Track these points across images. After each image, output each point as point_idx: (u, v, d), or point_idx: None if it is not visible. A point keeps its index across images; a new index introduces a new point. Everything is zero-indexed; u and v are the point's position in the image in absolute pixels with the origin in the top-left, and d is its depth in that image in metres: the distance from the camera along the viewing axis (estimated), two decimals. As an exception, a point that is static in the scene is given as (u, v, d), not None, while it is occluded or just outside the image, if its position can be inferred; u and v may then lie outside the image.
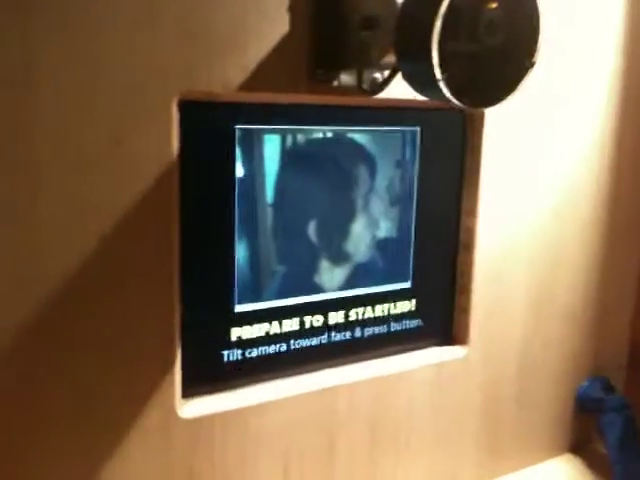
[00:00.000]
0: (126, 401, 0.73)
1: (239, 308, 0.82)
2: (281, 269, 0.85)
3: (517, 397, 1.08)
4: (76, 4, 0.64)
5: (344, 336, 0.91)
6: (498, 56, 0.63)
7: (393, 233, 0.93)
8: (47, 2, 0.62)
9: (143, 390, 0.74)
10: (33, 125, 0.64)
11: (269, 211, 0.82)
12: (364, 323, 0.93)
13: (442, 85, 0.60)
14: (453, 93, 0.61)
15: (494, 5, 0.61)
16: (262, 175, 0.81)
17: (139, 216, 0.70)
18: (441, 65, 0.59)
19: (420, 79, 0.64)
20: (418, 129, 0.90)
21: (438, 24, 0.58)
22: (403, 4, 0.64)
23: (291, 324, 0.86)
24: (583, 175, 1.08)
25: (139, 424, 0.74)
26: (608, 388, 1.17)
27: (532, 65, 0.65)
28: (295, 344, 0.87)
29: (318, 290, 0.88)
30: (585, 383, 1.17)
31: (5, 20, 0.61)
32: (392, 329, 0.95)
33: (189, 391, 0.79)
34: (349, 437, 0.91)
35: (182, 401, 0.78)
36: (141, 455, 0.75)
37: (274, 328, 0.85)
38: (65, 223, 0.67)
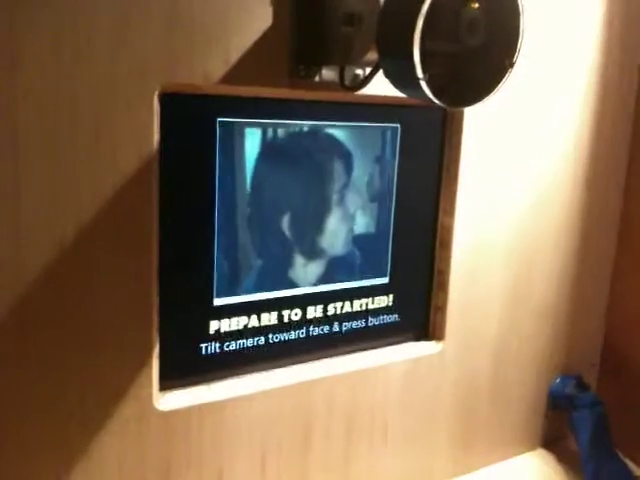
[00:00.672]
0: (103, 393, 0.73)
1: (218, 301, 0.82)
2: (260, 263, 0.85)
3: (491, 392, 1.10)
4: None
5: (322, 330, 0.92)
6: (479, 56, 0.64)
7: (371, 229, 0.93)
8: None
9: (120, 382, 0.74)
10: (13, 115, 0.63)
11: (249, 205, 0.82)
12: (342, 318, 0.93)
13: (423, 84, 0.61)
14: (434, 92, 0.62)
15: (475, 5, 0.62)
16: (242, 168, 0.81)
17: (118, 207, 0.70)
18: (422, 64, 0.60)
19: (401, 77, 0.64)
20: (398, 126, 0.91)
21: (420, 23, 0.58)
22: (385, 2, 0.64)
23: (269, 318, 0.87)
24: (560, 175, 1.09)
25: (116, 416, 0.74)
26: (581, 386, 1.18)
27: (512, 65, 0.66)
28: (273, 338, 0.88)
29: (297, 284, 0.88)
30: (558, 380, 1.18)
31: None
32: (370, 324, 0.96)
33: (166, 383, 0.79)
34: (325, 430, 0.92)
35: (159, 394, 0.78)
36: (117, 447, 0.75)
37: (252, 321, 0.85)
38: (43, 214, 0.66)
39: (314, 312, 0.90)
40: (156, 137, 0.72)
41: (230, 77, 0.74)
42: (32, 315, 0.68)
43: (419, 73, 0.60)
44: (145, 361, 0.75)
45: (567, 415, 1.17)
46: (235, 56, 0.74)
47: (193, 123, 0.76)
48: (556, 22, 1.03)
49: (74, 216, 0.68)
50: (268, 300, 0.86)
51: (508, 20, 0.64)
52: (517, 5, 0.64)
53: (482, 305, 1.05)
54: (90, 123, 0.67)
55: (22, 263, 0.66)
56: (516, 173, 1.03)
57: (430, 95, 0.62)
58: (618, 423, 1.14)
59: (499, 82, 0.66)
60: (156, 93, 0.70)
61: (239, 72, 0.74)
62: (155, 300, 0.75)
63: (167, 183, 0.74)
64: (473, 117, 0.95)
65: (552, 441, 1.21)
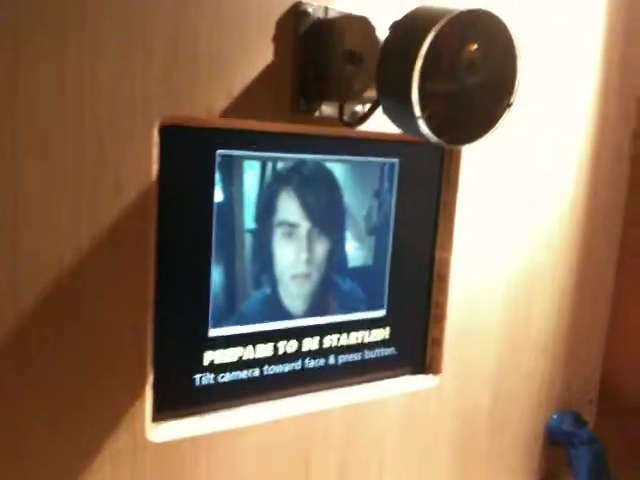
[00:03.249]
0: (96, 423, 0.73)
1: (213, 332, 0.82)
2: (255, 294, 0.85)
3: (489, 427, 1.09)
4: (68, 29, 0.64)
5: (318, 363, 0.91)
6: (477, 96, 0.65)
7: (369, 261, 0.94)
8: (40, 24, 0.63)
9: (113, 412, 0.74)
10: (15, 142, 0.64)
11: (246, 236, 0.83)
12: (338, 350, 0.93)
13: (421, 123, 0.61)
14: (432, 130, 0.62)
15: (474, 47, 0.63)
16: (240, 200, 0.81)
17: (115, 237, 0.70)
18: (421, 103, 0.61)
19: (400, 115, 0.65)
20: (397, 161, 0.92)
21: (419, 64, 0.59)
22: (386, 41, 0.65)
23: (265, 349, 0.86)
24: (558, 212, 1.10)
25: (109, 447, 0.74)
26: (579, 422, 1.18)
27: (510, 105, 0.67)
28: (268, 370, 0.87)
29: (293, 316, 0.88)
30: (555, 416, 1.18)
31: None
32: (366, 357, 0.96)
33: (160, 415, 0.79)
34: (321, 465, 0.91)
35: (152, 425, 0.78)
36: (111, 476, 0.74)
37: (248, 353, 0.85)
38: (42, 241, 0.67)
39: (310, 344, 0.90)
40: (155, 168, 0.72)
41: (231, 111, 0.74)
42: (27, 344, 0.67)
43: (417, 112, 0.61)
44: (138, 392, 0.75)
45: (565, 451, 1.16)
46: (237, 90, 0.74)
47: (193, 155, 0.76)
48: (556, 64, 1.04)
49: (72, 246, 0.68)
50: (263, 331, 0.86)
51: (506, 61, 0.65)
52: (514, 47, 0.64)
53: (480, 339, 1.04)
54: (93, 152, 0.68)
55: (19, 292, 0.66)
56: (514, 209, 1.04)
57: (428, 133, 0.63)
58: (616, 460, 1.13)
59: (497, 121, 0.67)
60: (156, 125, 0.71)
61: (241, 106, 0.75)
62: (150, 330, 0.75)
63: (165, 213, 0.75)
64: (471, 154, 0.96)
65: (550, 477, 1.20)
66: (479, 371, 1.06)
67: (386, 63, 0.64)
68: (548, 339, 1.14)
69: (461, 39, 0.62)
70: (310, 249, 0.88)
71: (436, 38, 0.59)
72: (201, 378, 0.82)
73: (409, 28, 0.62)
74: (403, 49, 0.61)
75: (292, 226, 0.86)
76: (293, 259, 0.87)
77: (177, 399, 0.81)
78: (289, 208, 0.85)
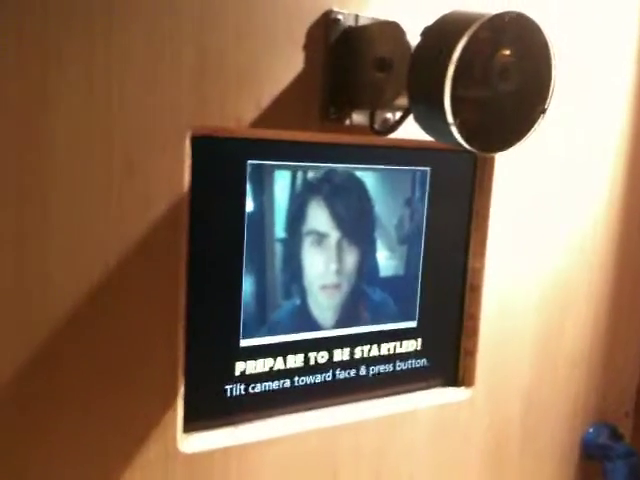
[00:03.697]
0: (127, 434, 0.73)
1: (244, 342, 0.81)
2: (287, 304, 0.84)
3: (522, 441, 1.07)
4: (96, 39, 0.65)
5: (349, 374, 0.91)
6: (510, 102, 0.64)
7: (400, 271, 0.93)
8: (67, 36, 0.63)
9: (144, 423, 0.74)
10: (45, 154, 0.64)
11: (277, 246, 0.82)
12: (369, 361, 0.92)
13: (454, 130, 0.61)
14: (464, 138, 0.61)
15: (507, 52, 0.62)
16: (271, 210, 0.81)
17: (147, 247, 0.71)
18: (453, 110, 0.60)
19: (432, 122, 0.64)
20: (428, 169, 0.91)
21: (451, 70, 0.59)
22: (417, 47, 0.64)
23: (295, 360, 0.86)
24: (593, 217, 1.08)
25: (139, 457, 0.73)
26: (615, 435, 1.15)
27: (544, 111, 0.65)
28: (299, 381, 0.87)
29: (324, 327, 0.87)
30: (591, 429, 1.15)
31: (26, 51, 0.62)
32: (397, 368, 0.95)
33: (191, 425, 0.79)
34: (352, 476, 0.90)
35: (183, 435, 0.78)
36: (141, 490, 0.74)
37: (278, 364, 0.85)
38: (72, 252, 0.67)
39: (341, 355, 0.89)
40: (187, 178, 0.72)
41: (261, 120, 0.74)
42: (59, 355, 0.68)
43: (450, 119, 0.60)
44: (170, 402, 0.75)
45: (601, 466, 1.14)
46: (267, 100, 0.74)
47: (224, 165, 0.77)
48: (592, 69, 1.02)
49: (103, 256, 0.69)
50: (294, 342, 0.85)
51: (540, 66, 0.64)
52: (549, 50, 0.63)
53: (513, 351, 1.02)
54: (123, 164, 0.68)
55: (50, 303, 0.67)
56: (548, 216, 1.02)
57: (461, 140, 0.62)
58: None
59: (530, 128, 0.66)
60: (188, 136, 0.71)
61: (270, 115, 0.75)
62: (181, 341, 0.75)
63: (197, 224, 0.75)
64: (505, 161, 0.95)
65: (586, 493, 1.17)
66: (512, 383, 1.04)
67: (417, 69, 0.64)
68: (583, 349, 1.11)
69: (494, 44, 0.61)
70: (340, 259, 0.87)
71: (469, 43, 0.59)
72: (232, 389, 0.82)
73: (441, 33, 0.61)
74: (435, 55, 0.61)
75: (322, 235, 0.86)
76: (323, 270, 0.86)
77: (208, 409, 0.81)
78: (319, 217, 0.85)
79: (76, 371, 0.69)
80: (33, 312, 0.66)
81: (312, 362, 0.87)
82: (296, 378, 0.86)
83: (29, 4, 0.61)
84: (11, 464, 0.67)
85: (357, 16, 0.76)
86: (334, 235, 0.86)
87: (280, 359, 0.85)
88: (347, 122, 0.79)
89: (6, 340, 0.65)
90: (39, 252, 0.66)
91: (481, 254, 0.96)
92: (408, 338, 0.95)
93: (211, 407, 0.81)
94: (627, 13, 1.06)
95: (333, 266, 0.87)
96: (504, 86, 0.63)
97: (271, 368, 0.84)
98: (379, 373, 0.93)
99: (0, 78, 0.61)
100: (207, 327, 0.78)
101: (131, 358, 0.72)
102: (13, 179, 0.63)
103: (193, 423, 0.79)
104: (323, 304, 0.87)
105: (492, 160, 0.94)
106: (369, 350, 0.92)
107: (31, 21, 0.61)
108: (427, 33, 0.64)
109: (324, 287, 0.87)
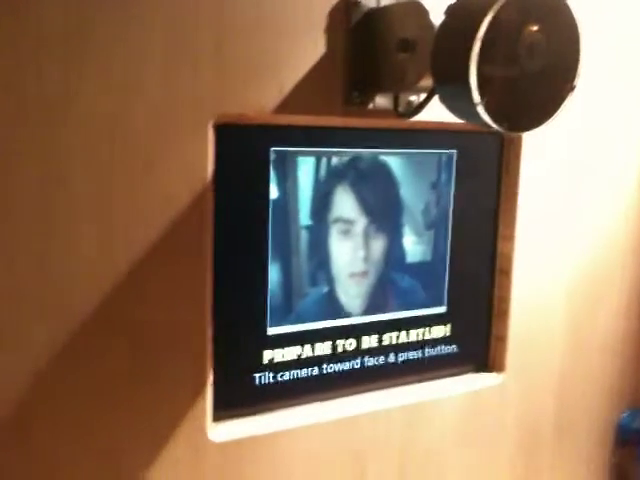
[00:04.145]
0: (156, 424, 0.73)
1: (271, 331, 0.81)
2: (313, 291, 0.84)
3: (555, 427, 1.05)
4: (114, 32, 0.64)
5: (377, 361, 0.90)
6: (538, 80, 0.62)
7: (428, 256, 0.92)
8: (87, 33, 0.63)
9: (174, 413, 0.74)
10: (68, 150, 0.65)
11: (302, 233, 0.82)
12: (398, 348, 0.91)
13: (480, 109, 0.59)
14: (492, 117, 0.60)
15: (535, 28, 0.60)
16: (295, 197, 0.80)
17: (173, 238, 0.71)
18: (480, 89, 0.58)
19: (458, 103, 0.63)
20: (454, 152, 0.89)
21: (477, 47, 0.57)
22: (440, 27, 0.63)
23: (323, 348, 0.85)
24: (627, 200, 1.05)
25: (169, 446, 0.74)
26: (650, 420, 1.13)
27: (572, 89, 0.64)
28: (328, 368, 0.86)
29: (352, 313, 0.87)
30: (626, 414, 1.13)
31: (45, 49, 0.62)
32: (426, 354, 0.94)
33: (220, 414, 0.79)
34: (380, 464, 0.89)
35: (213, 424, 0.78)
36: (171, 478, 0.74)
37: (306, 351, 0.84)
38: (96, 247, 0.67)
39: (369, 342, 0.89)
40: (211, 167, 0.72)
41: (284, 107, 0.74)
42: (87, 348, 0.68)
43: (476, 98, 0.59)
44: (199, 391, 0.75)
45: (636, 450, 1.12)
46: (289, 86, 0.74)
47: (247, 153, 0.76)
48: (622, 40, 1.00)
49: (128, 246, 0.69)
50: (322, 329, 0.85)
51: (568, 42, 0.62)
52: (577, 26, 0.61)
53: (544, 336, 1.01)
54: (145, 154, 0.68)
55: (77, 298, 0.67)
56: (579, 200, 1.00)
57: (488, 120, 0.60)
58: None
59: (559, 106, 0.64)
60: (210, 124, 0.71)
61: (293, 101, 0.74)
62: (209, 330, 0.75)
63: (221, 212, 0.74)
64: (532, 141, 0.93)
65: (621, 477, 1.15)
66: (544, 368, 1.02)
67: (442, 49, 0.62)
68: (616, 334, 1.09)
69: (521, 20, 0.59)
70: (367, 246, 0.87)
71: (494, 20, 0.57)
72: (261, 377, 0.82)
73: (465, 11, 0.60)
74: (459, 33, 0.59)
75: (348, 223, 0.85)
76: (350, 257, 0.86)
77: (237, 398, 0.81)
78: (345, 204, 0.84)
79: (105, 364, 0.69)
80: (60, 308, 0.67)
81: (340, 350, 0.87)
82: (324, 366, 0.86)
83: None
84: (33, 460, 0.68)
85: (379, -3, 0.75)
86: (361, 222, 0.85)
87: (308, 347, 0.84)
88: (370, 106, 0.78)
89: (39, 328, 0.66)
90: (65, 251, 0.66)
91: (510, 237, 0.95)
92: (437, 324, 0.94)
93: (240, 396, 0.81)
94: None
95: (361, 253, 0.86)
96: (531, 64, 0.61)
97: (299, 356, 0.84)
98: (408, 360, 0.92)
99: (18, 77, 0.61)
100: (234, 316, 0.78)
101: (160, 349, 0.72)
102: (36, 180, 0.64)
103: (222, 412, 0.79)
104: (351, 291, 0.86)
105: (519, 140, 0.92)
106: (397, 337, 0.91)
107: (51, 17, 0.61)
108: (451, 11, 0.62)
109: (352, 275, 0.86)
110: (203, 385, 0.75)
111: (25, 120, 0.62)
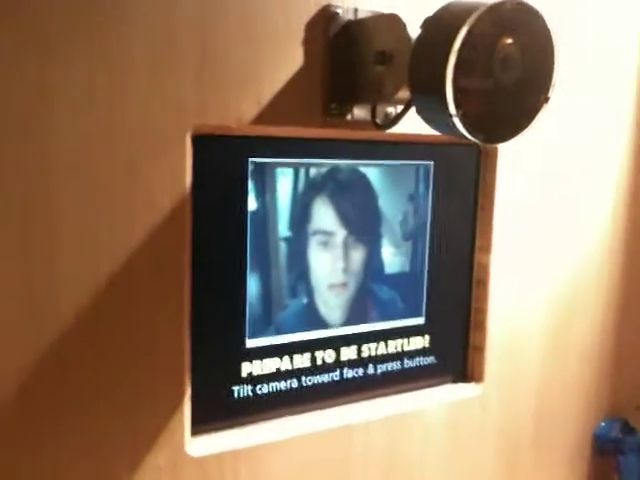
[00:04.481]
0: (134, 438, 0.72)
1: (250, 343, 0.81)
2: (294, 304, 0.84)
3: (535, 437, 1.06)
4: (97, 42, 0.64)
5: (356, 373, 0.90)
6: (512, 92, 0.63)
7: (406, 268, 0.92)
8: (66, 38, 0.63)
9: (152, 427, 0.73)
10: (49, 158, 0.64)
11: (281, 244, 0.82)
12: (377, 359, 0.91)
13: (456, 121, 0.60)
14: (468, 129, 0.61)
15: (509, 41, 0.61)
16: (274, 208, 0.80)
17: (151, 248, 0.70)
18: (455, 101, 0.59)
19: (434, 114, 0.64)
20: (432, 163, 0.90)
21: (452, 60, 0.58)
22: (417, 40, 0.64)
23: (302, 360, 0.85)
24: (602, 211, 1.07)
25: (147, 462, 0.73)
26: (627, 429, 1.14)
27: (546, 100, 0.65)
28: (307, 380, 0.86)
29: (331, 325, 0.87)
30: (603, 424, 1.14)
31: (24, 54, 0.61)
32: (406, 366, 0.94)
33: (198, 428, 0.78)
34: (362, 476, 0.89)
35: (191, 438, 0.77)
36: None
37: (285, 364, 0.84)
38: (78, 257, 0.66)
39: (348, 354, 0.88)
40: (189, 178, 0.72)
41: (262, 118, 0.74)
42: (65, 361, 0.67)
43: (452, 110, 0.60)
44: (177, 405, 0.74)
45: (614, 459, 1.13)
46: (267, 97, 0.74)
47: (225, 164, 0.76)
48: (597, 58, 1.01)
49: (108, 258, 0.68)
50: (301, 341, 0.85)
51: (543, 54, 0.63)
52: (551, 39, 0.63)
53: (522, 346, 1.01)
54: (125, 164, 0.67)
55: (57, 308, 0.66)
56: (555, 211, 1.01)
57: (464, 132, 0.61)
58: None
59: (533, 117, 0.65)
60: (189, 135, 0.71)
61: (271, 112, 0.74)
62: (187, 342, 0.74)
63: (199, 224, 0.74)
64: (508, 153, 0.94)
65: (599, 486, 1.16)
66: (523, 378, 1.03)
67: (418, 61, 0.63)
68: (593, 344, 1.10)
69: (495, 33, 0.60)
70: (346, 257, 0.87)
71: (469, 33, 0.58)
72: (239, 390, 0.81)
73: (441, 24, 0.61)
74: (436, 46, 0.60)
75: (328, 234, 0.85)
76: (330, 268, 0.86)
77: (215, 412, 0.80)
78: (324, 216, 0.84)
79: (82, 377, 0.68)
80: (40, 318, 0.66)
81: (319, 361, 0.86)
82: (303, 378, 0.86)
83: (29, 6, 0.61)
84: (16, 469, 0.67)
85: (356, 9, 0.76)
86: (340, 233, 0.86)
87: (287, 359, 0.84)
88: (348, 117, 0.78)
89: (13, 346, 0.65)
90: (46, 258, 0.65)
91: (487, 248, 0.96)
92: (416, 335, 0.94)
93: (218, 409, 0.80)
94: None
95: (340, 264, 0.86)
96: (506, 75, 0.62)
97: (278, 368, 0.83)
98: (387, 371, 0.92)
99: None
100: (212, 328, 0.78)
101: (137, 361, 0.71)
102: (17, 187, 0.63)
103: (201, 426, 0.78)
104: (330, 303, 0.86)
105: (495, 153, 0.93)
106: (377, 348, 0.91)
107: (30, 21, 0.61)
108: (427, 25, 0.63)
109: (331, 286, 0.86)
110: (181, 399, 0.74)
111: (5, 128, 0.62)
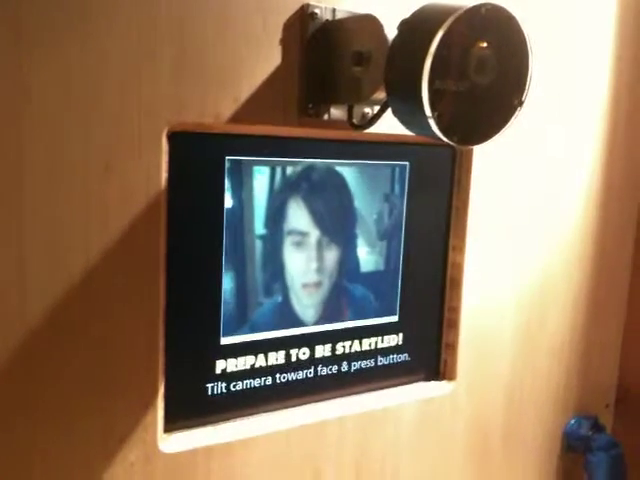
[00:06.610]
0: (107, 435, 0.72)
1: (224, 340, 0.81)
2: (267, 301, 0.84)
3: (504, 434, 1.07)
4: (74, 38, 0.64)
5: (330, 370, 0.90)
6: (487, 94, 0.64)
7: (380, 266, 0.93)
8: (43, 33, 0.62)
9: (124, 424, 0.73)
10: (22, 154, 0.63)
11: (257, 243, 0.82)
12: (351, 357, 0.92)
13: (432, 122, 0.60)
14: (442, 130, 0.61)
15: (484, 44, 0.62)
16: (251, 206, 0.80)
17: (125, 246, 0.70)
18: (431, 103, 0.60)
19: (410, 116, 0.64)
20: (407, 164, 0.91)
21: (428, 62, 0.58)
22: (394, 41, 0.64)
23: (277, 357, 0.85)
24: (573, 212, 1.09)
25: (120, 459, 0.72)
26: (596, 427, 1.16)
27: (521, 104, 0.66)
28: (281, 378, 0.86)
29: (305, 323, 0.87)
30: (572, 421, 1.16)
31: (0, 49, 0.61)
32: (379, 363, 0.95)
33: (172, 425, 0.78)
34: (335, 472, 0.89)
35: (164, 435, 0.77)
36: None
37: (259, 361, 0.84)
38: (50, 254, 0.66)
39: (322, 351, 0.89)
40: (164, 175, 0.71)
41: (239, 116, 0.74)
42: (36, 357, 0.67)
43: (428, 112, 0.60)
44: (150, 402, 0.74)
45: (582, 457, 1.14)
46: (244, 95, 0.74)
47: (202, 161, 0.76)
48: (569, 62, 1.03)
49: (81, 255, 0.68)
50: (276, 339, 0.85)
51: (518, 58, 0.64)
52: (526, 43, 0.63)
53: (494, 344, 1.03)
54: (100, 161, 0.67)
55: (27, 305, 0.65)
56: (527, 211, 1.03)
57: (439, 133, 0.62)
58: (634, 466, 1.11)
59: (508, 120, 0.66)
60: (165, 132, 0.70)
61: (248, 111, 0.74)
62: (161, 340, 0.74)
63: (174, 221, 0.74)
64: (483, 155, 0.95)
65: (567, 483, 1.18)
66: (494, 376, 1.04)
67: (395, 63, 0.64)
68: (564, 342, 1.12)
69: (471, 36, 0.61)
70: (320, 257, 0.87)
71: (445, 36, 0.58)
72: (213, 387, 0.81)
73: (417, 26, 0.61)
74: (412, 48, 0.61)
75: (302, 235, 0.85)
76: (303, 268, 0.86)
77: (189, 409, 0.80)
78: (299, 216, 0.84)
79: (55, 373, 0.68)
80: (10, 314, 0.65)
81: (294, 359, 0.87)
82: (278, 375, 0.86)
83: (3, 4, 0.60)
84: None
85: (334, 10, 0.76)
86: (314, 234, 0.86)
87: (261, 356, 0.84)
88: (325, 117, 0.78)
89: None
90: (16, 254, 0.64)
91: (461, 248, 0.97)
92: (389, 333, 0.95)
93: (192, 406, 0.80)
94: (605, 4, 1.07)
95: (314, 264, 0.87)
96: (481, 78, 0.63)
97: (252, 366, 0.84)
98: (361, 369, 0.93)
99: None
100: (187, 325, 0.78)
101: (110, 358, 0.71)
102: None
103: (174, 423, 0.78)
104: (304, 301, 0.87)
105: (470, 155, 0.94)
106: (350, 346, 0.91)
107: (7, 14, 0.60)
108: (404, 26, 0.64)
109: (305, 285, 0.87)
110: (154, 396, 0.74)
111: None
